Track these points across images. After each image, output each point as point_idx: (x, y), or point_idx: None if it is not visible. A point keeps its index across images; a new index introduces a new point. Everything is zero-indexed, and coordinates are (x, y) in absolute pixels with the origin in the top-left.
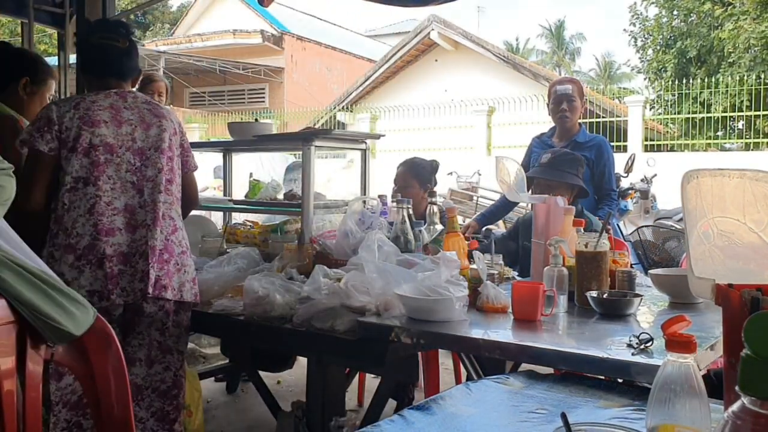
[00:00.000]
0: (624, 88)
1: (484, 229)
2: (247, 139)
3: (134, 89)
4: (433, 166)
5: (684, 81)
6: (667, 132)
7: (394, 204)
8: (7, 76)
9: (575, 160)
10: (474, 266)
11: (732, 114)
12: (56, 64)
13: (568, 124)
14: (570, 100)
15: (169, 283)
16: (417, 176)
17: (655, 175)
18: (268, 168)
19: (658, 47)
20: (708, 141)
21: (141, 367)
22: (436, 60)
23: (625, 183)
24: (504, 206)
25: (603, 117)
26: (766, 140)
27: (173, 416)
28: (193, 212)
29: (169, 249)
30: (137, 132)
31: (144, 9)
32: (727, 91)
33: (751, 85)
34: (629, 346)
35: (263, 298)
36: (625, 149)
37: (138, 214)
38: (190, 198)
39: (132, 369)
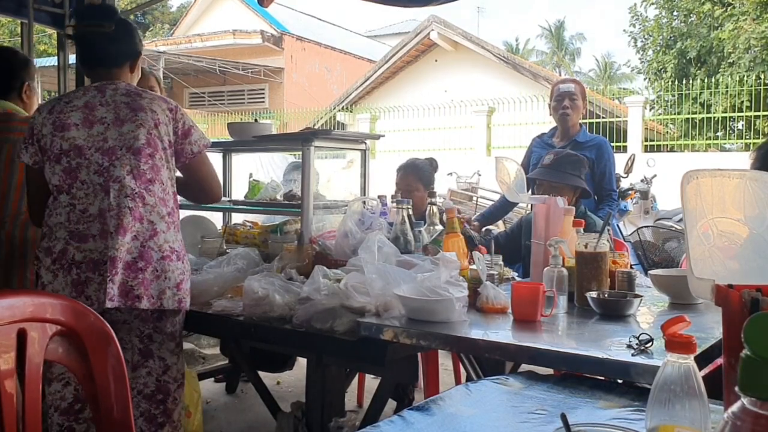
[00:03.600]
0: (624, 89)
1: (484, 229)
2: (247, 139)
3: (135, 73)
4: (433, 166)
5: (684, 81)
6: (667, 132)
7: (394, 204)
8: (12, 81)
9: (578, 162)
10: (474, 267)
11: (732, 114)
12: (56, 64)
13: (569, 122)
14: (572, 97)
15: (144, 293)
16: (421, 179)
17: (655, 175)
18: (267, 168)
19: (658, 48)
20: (708, 141)
21: (127, 368)
22: (436, 60)
23: (625, 183)
24: (504, 206)
25: (603, 117)
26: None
27: (161, 420)
28: (193, 212)
29: (145, 256)
30: (110, 131)
31: (144, 9)
32: (727, 91)
33: (751, 86)
34: (629, 346)
35: (263, 299)
36: (625, 150)
37: (107, 219)
38: (194, 186)
39: None
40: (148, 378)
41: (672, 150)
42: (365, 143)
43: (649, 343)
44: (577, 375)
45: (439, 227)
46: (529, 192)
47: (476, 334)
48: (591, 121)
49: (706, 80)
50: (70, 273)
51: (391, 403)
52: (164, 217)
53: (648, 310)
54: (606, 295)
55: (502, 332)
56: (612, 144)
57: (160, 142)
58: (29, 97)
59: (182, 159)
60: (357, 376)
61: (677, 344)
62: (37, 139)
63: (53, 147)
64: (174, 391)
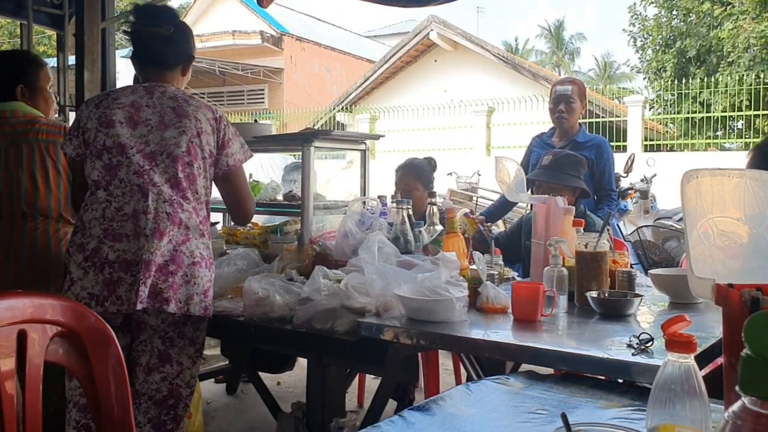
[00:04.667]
0: (623, 88)
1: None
2: (247, 140)
3: (185, 77)
4: (432, 165)
5: (683, 81)
6: (667, 132)
7: (394, 204)
8: (7, 86)
9: (577, 162)
10: (474, 267)
11: (731, 114)
12: (55, 65)
13: (565, 125)
14: (568, 101)
15: (173, 296)
16: (420, 178)
17: (655, 175)
18: (267, 169)
19: (658, 47)
20: (708, 141)
21: (140, 372)
22: (436, 60)
23: (624, 183)
24: (504, 206)
25: (602, 117)
26: None
27: (170, 427)
28: None
29: (177, 260)
30: (152, 134)
31: None
32: (726, 90)
33: (751, 85)
34: (629, 346)
35: (263, 299)
36: (624, 149)
37: (141, 221)
38: (226, 200)
39: (132, 372)
40: (162, 383)
41: (672, 149)
42: (365, 143)
43: (650, 343)
44: (578, 375)
45: (439, 227)
46: (529, 192)
47: (476, 334)
48: (591, 120)
49: (705, 79)
50: (103, 272)
51: (392, 403)
52: (197, 224)
53: (648, 310)
54: (606, 295)
55: (502, 332)
56: (612, 143)
57: (200, 151)
58: (28, 98)
59: (215, 170)
60: (357, 376)
61: (678, 344)
62: (82, 132)
63: (96, 142)
64: (186, 397)
